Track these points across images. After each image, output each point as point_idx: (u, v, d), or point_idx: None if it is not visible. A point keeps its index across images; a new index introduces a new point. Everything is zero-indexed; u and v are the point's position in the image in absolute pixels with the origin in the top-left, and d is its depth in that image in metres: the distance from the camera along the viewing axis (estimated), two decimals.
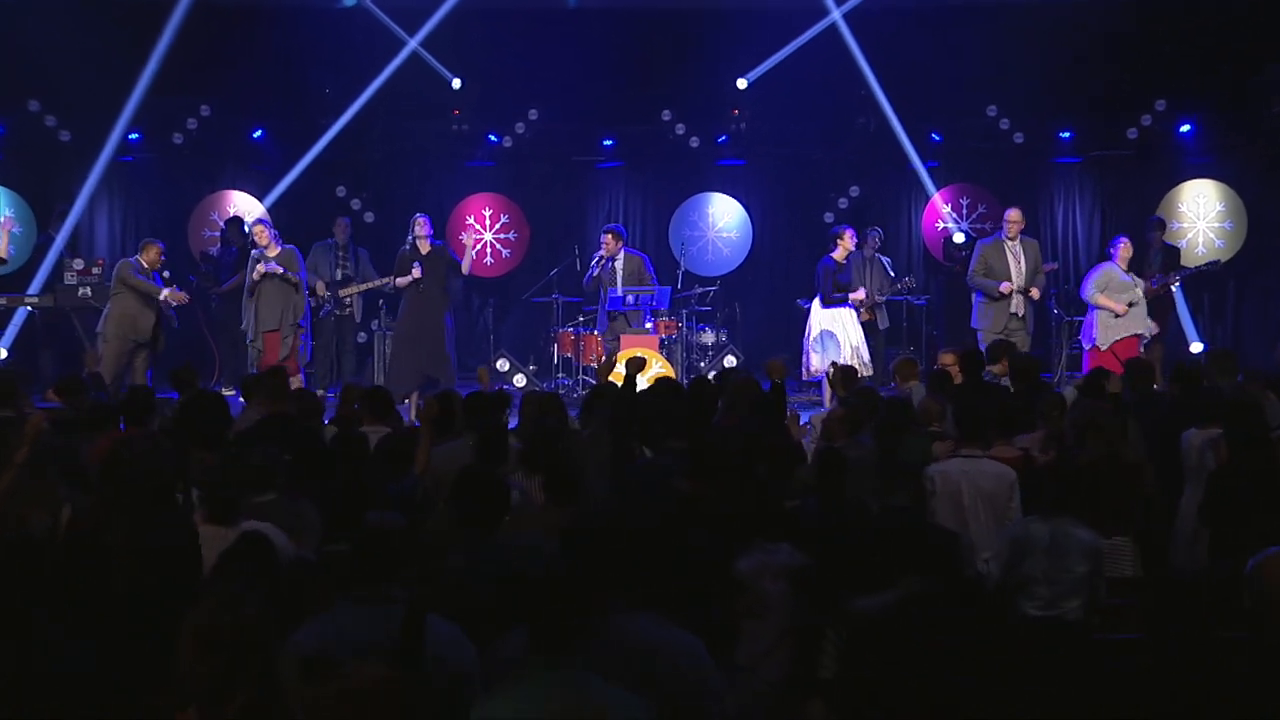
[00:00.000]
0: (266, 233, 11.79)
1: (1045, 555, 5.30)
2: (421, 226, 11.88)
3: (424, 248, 11.85)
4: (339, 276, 13.12)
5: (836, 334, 12.03)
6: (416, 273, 11.76)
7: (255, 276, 11.63)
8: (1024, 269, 11.62)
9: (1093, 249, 14.93)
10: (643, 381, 8.06)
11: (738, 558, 4.76)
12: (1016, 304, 11.59)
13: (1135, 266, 11.97)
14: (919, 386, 8.59)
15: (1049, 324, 13.55)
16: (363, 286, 13.05)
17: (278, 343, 11.62)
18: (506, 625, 3.63)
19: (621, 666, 3.41)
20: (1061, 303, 13.45)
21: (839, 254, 12.20)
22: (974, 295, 11.91)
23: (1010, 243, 11.68)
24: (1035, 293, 11.72)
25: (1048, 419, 7.14)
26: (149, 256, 11.62)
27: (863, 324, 12.46)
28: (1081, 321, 12.09)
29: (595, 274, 12.52)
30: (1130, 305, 11.45)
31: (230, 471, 5.12)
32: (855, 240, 12.45)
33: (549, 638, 3.26)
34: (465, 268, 12.15)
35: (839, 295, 12.17)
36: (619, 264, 12.50)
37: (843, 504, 5.47)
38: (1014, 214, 11.84)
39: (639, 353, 10.17)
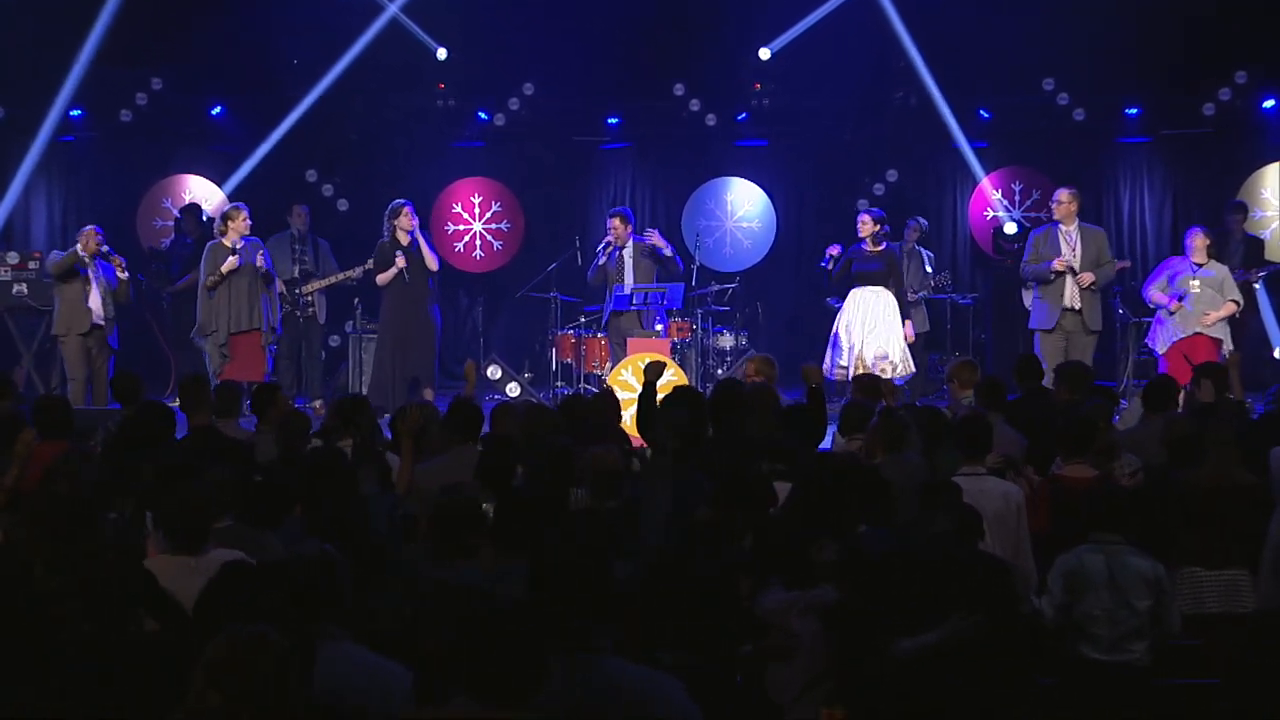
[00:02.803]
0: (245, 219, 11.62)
1: (1105, 590, 5.28)
2: (406, 217, 11.91)
3: (404, 240, 11.87)
4: (297, 272, 13.07)
5: (840, 334, 11.92)
6: (401, 261, 11.79)
7: (225, 270, 11.36)
8: (1079, 258, 11.39)
9: (1163, 240, 14.92)
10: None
11: (760, 593, 4.76)
12: (1070, 296, 11.26)
13: (1217, 259, 11.83)
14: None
15: (1113, 326, 13.52)
16: (325, 282, 13.01)
17: (253, 347, 11.47)
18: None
19: (597, 714, 3.42)
20: (1127, 302, 13.41)
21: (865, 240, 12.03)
22: (1031, 292, 11.76)
23: (1065, 229, 11.47)
24: (1087, 278, 11.21)
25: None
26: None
27: None
28: (1149, 323, 12.03)
29: (601, 263, 12.48)
30: (1181, 300, 11.30)
31: (195, 496, 5.14)
32: (873, 226, 11.95)
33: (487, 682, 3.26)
34: (432, 263, 12.03)
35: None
36: (628, 253, 12.45)
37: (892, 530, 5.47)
38: (1063, 194, 11.48)
39: (656, 357, 10.14)
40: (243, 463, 6.52)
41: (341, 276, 12.85)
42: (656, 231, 12.55)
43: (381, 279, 11.95)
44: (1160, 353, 11.42)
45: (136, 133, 14.69)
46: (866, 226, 11.99)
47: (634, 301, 12.22)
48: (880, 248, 11.97)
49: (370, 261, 12.20)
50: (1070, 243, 11.35)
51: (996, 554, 5.86)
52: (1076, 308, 11.29)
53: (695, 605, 4.53)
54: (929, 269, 13.48)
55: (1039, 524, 6.39)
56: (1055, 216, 11.49)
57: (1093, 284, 11.28)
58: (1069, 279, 11.25)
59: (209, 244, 11.74)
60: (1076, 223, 11.46)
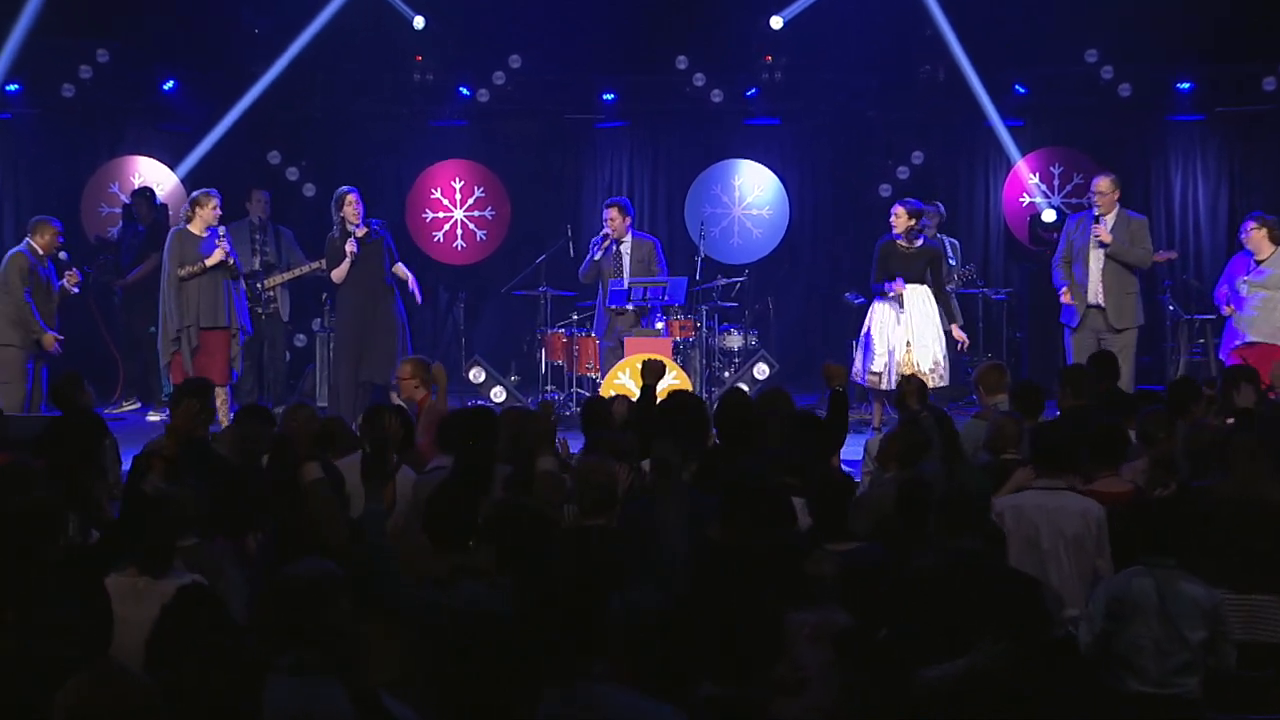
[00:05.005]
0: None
1: (1155, 619, 5.24)
2: (352, 205, 11.68)
3: (355, 229, 11.68)
4: (258, 264, 13.04)
5: (873, 335, 11.73)
6: (351, 248, 11.57)
7: (210, 264, 11.43)
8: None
9: (1218, 228, 14.89)
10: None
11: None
12: (1094, 292, 11.38)
13: None
14: (1007, 400, 8.55)
15: (1163, 324, 13.50)
16: (288, 275, 12.96)
17: (220, 348, 11.52)
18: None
19: None
20: (1178, 297, 13.38)
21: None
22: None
23: (1105, 217, 11.51)
24: (1105, 235, 11.34)
25: (1151, 442, 7.08)
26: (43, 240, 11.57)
27: None
28: (1200, 321, 12.02)
29: (596, 258, 12.44)
30: (1231, 303, 11.27)
31: (164, 512, 5.16)
32: (908, 220, 11.67)
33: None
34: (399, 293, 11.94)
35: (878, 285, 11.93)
36: (626, 248, 12.43)
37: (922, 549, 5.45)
38: (1103, 183, 11.57)
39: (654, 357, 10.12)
40: (235, 478, 6.54)
41: (307, 268, 12.79)
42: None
43: (337, 275, 11.72)
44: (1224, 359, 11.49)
45: (80, 110, 14.68)
46: (901, 221, 11.72)
47: (632, 298, 12.19)
48: (918, 244, 11.81)
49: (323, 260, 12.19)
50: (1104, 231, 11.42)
51: (1073, 581, 5.86)
52: (1100, 304, 11.41)
53: (728, 631, 4.52)
54: (953, 260, 13.43)
55: None
56: (1096, 208, 11.51)
57: (1107, 246, 11.36)
58: (1094, 273, 11.34)
59: (174, 230, 11.71)
60: (1117, 210, 11.51)
